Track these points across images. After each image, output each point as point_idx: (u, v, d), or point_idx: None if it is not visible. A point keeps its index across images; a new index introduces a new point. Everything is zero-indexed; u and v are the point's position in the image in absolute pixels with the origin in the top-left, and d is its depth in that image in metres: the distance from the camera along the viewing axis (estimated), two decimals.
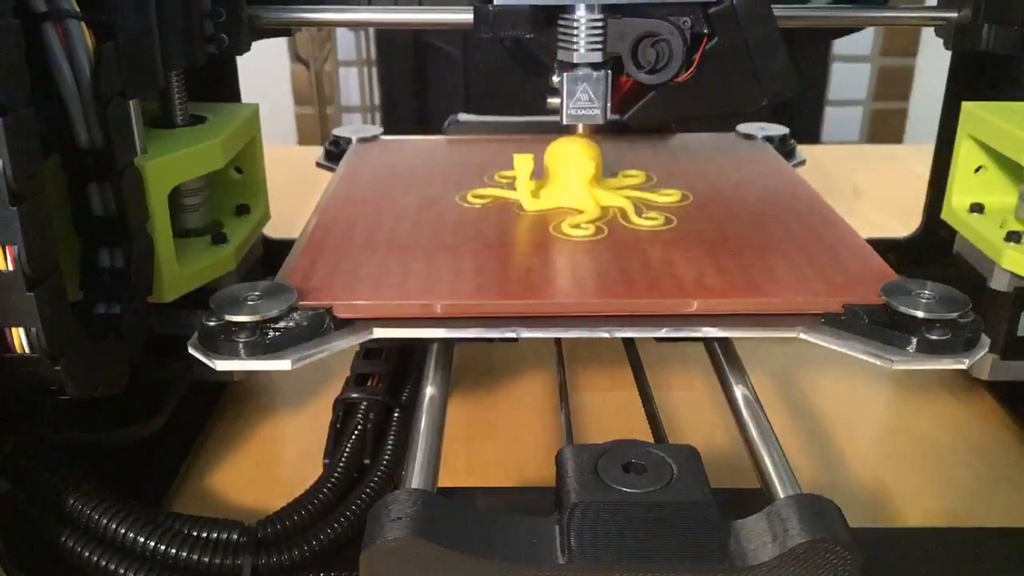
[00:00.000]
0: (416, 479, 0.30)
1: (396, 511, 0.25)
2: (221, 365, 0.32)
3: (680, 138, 0.57)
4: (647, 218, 0.43)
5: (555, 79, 0.40)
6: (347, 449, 0.40)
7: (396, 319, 0.35)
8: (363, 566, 0.25)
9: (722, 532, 0.26)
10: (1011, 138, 0.43)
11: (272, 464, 0.45)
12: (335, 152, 0.56)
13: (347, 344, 0.33)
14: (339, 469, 0.39)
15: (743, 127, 0.59)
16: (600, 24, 0.38)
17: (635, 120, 0.41)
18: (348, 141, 0.57)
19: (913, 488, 0.42)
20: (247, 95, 0.53)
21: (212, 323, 0.33)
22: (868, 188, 0.81)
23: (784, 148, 0.57)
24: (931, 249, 0.54)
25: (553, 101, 0.40)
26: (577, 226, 0.42)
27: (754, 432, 0.33)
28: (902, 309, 0.33)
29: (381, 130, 0.58)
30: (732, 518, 0.26)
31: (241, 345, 0.32)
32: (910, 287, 0.35)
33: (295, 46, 1.53)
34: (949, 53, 0.52)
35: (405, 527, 0.25)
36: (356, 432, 0.41)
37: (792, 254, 0.39)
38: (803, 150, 0.60)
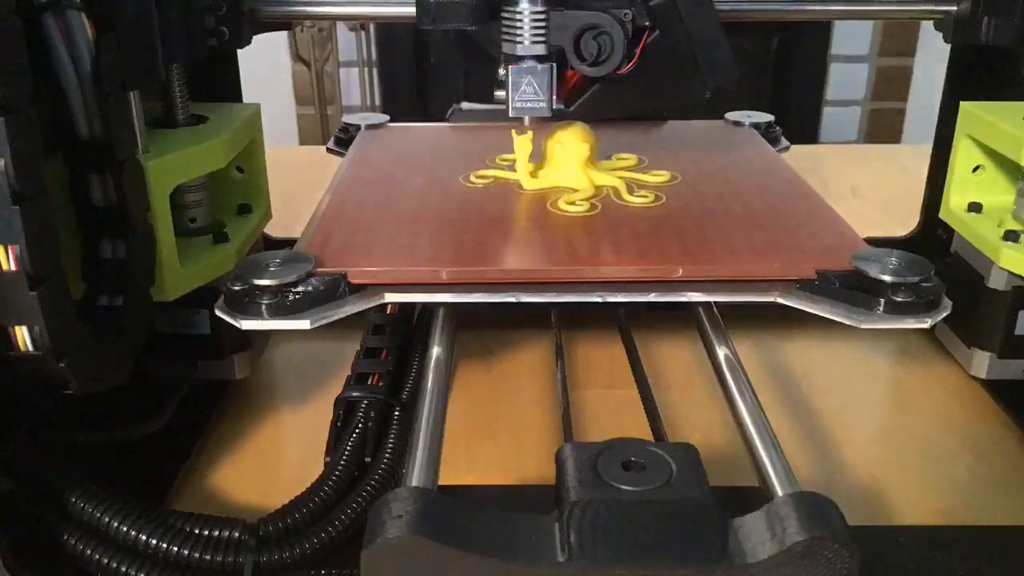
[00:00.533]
0: (416, 477, 0.30)
1: (397, 509, 0.25)
2: (246, 325, 0.34)
3: (671, 125, 0.58)
4: (638, 196, 0.44)
5: (501, 72, 0.40)
6: (348, 447, 0.40)
7: (405, 284, 0.37)
8: (364, 564, 0.25)
9: (721, 530, 0.26)
10: (1009, 137, 0.43)
11: (273, 462, 0.45)
12: (344, 138, 0.58)
13: (360, 307, 0.35)
14: (340, 467, 0.39)
15: (731, 115, 0.60)
16: (543, 16, 0.38)
17: (580, 113, 0.41)
18: (357, 128, 0.58)
19: (912, 487, 0.43)
20: (248, 95, 0.53)
21: (237, 287, 0.35)
22: (866, 188, 0.81)
23: (770, 134, 0.58)
24: (929, 248, 0.55)
25: (500, 94, 0.40)
26: (572, 203, 0.43)
27: (753, 430, 0.33)
28: (870, 274, 0.35)
29: (388, 118, 0.59)
30: (731, 516, 0.26)
31: (264, 307, 0.34)
32: (878, 255, 0.36)
33: (296, 47, 1.53)
34: (947, 53, 0.52)
35: (406, 525, 0.25)
36: (357, 430, 0.41)
37: (771, 227, 0.41)
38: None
